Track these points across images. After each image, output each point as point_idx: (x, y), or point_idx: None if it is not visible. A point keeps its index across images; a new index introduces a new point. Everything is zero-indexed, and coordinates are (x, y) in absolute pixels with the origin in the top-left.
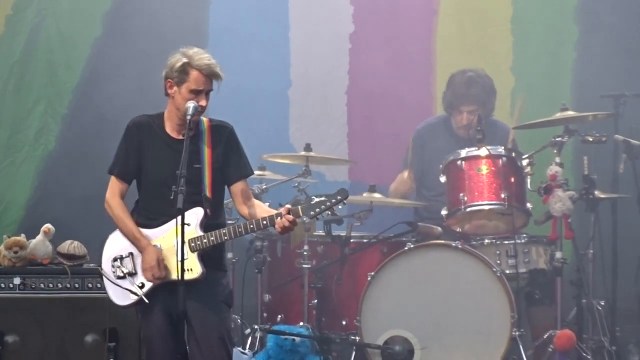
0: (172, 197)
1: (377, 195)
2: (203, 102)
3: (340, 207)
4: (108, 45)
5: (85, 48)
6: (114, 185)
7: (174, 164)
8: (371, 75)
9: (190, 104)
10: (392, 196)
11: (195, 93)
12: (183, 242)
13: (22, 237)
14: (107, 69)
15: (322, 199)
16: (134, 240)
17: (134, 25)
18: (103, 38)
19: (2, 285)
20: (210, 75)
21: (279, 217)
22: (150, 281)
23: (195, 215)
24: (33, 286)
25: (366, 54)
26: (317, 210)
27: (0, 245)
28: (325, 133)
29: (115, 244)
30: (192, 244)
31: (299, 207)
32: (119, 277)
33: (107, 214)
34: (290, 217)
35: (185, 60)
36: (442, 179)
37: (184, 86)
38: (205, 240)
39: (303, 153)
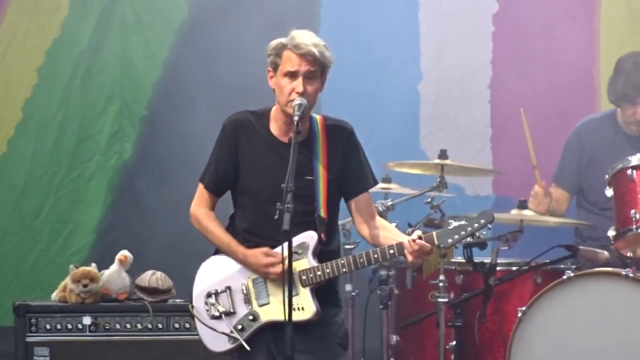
0: (276, 217)
1: (528, 212)
2: (299, 87)
3: (484, 232)
4: (196, 29)
5: (168, 33)
6: (201, 196)
7: (281, 174)
8: (520, 64)
9: (296, 100)
10: None
11: (290, 76)
12: (291, 274)
13: (92, 268)
14: (195, 59)
15: (462, 222)
16: (231, 252)
17: (229, 3)
18: (191, 21)
19: (69, 326)
20: (305, 54)
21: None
22: (276, 278)
23: (307, 241)
24: (107, 327)
25: (514, 38)
26: (457, 237)
27: (67, 278)
28: (464, 137)
29: (209, 276)
30: (304, 277)
31: (434, 233)
32: (214, 318)
33: (195, 227)
34: (423, 243)
35: (283, 41)
36: (609, 192)
37: (279, 71)
38: (319, 273)
39: (437, 161)
